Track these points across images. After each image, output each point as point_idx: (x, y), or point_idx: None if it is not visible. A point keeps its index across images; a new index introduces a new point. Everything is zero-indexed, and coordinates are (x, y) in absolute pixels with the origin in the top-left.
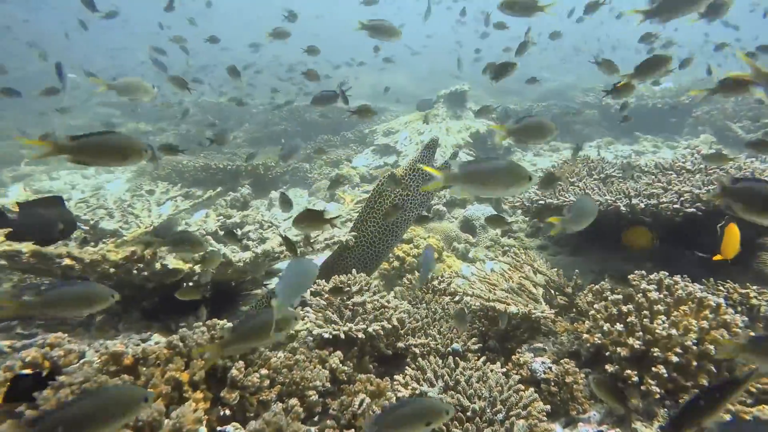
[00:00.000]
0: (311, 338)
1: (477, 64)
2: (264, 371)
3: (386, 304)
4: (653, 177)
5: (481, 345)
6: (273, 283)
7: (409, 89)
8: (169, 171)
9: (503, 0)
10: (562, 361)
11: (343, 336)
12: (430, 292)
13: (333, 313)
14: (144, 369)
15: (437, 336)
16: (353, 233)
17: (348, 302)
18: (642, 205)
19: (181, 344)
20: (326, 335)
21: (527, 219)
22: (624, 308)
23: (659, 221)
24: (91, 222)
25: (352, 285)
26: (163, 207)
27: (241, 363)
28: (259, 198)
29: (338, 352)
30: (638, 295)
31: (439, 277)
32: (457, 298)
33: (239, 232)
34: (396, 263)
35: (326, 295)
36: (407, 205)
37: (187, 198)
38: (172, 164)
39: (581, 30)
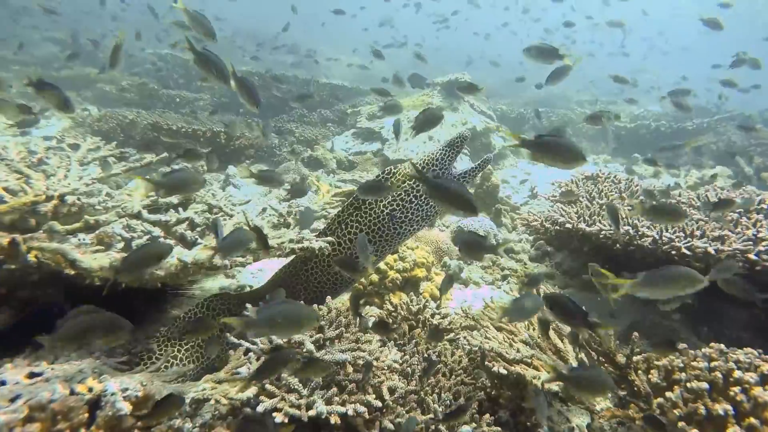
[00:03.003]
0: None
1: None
2: None
3: (375, 360)
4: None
5: (492, 418)
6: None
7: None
8: (113, 126)
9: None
10: None
11: (305, 419)
12: (420, 325)
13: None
14: None
15: (437, 408)
16: (329, 239)
17: (318, 353)
18: (710, 250)
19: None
20: (278, 419)
21: (532, 240)
22: (717, 408)
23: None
24: None
25: (325, 325)
26: (89, 167)
27: None
28: (214, 171)
29: None
30: (735, 390)
31: (430, 307)
32: (452, 335)
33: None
34: (375, 277)
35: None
36: (408, 217)
37: (122, 160)
38: (117, 118)
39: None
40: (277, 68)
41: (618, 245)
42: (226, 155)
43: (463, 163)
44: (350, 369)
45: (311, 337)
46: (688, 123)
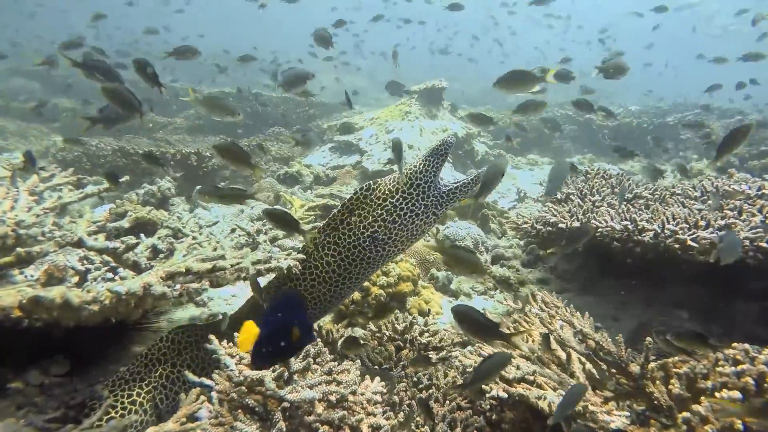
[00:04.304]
0: None
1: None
2: None
3: (352, 394)
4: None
5: None
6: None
7: (369, 91)
8: (78, 155)
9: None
10: None
11: None
12: (407, 345)
13: (247, 419)
14: None
15: None
16: (299, 255)
17: (283, 394)
18: (716, 240)
19: None
20: None
21: (523, 244)
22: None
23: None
24: None
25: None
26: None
27: None
28: (184, 193)
29: None
30: None
31: (418, 324)
32: (443, 354)
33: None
34: (357, 295)
35: (245, 374)
36: (392, 237)
37: (80, 187)
38: (82, 147)
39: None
40: (253, 86)
41: (616, 242)
42: (199, 178)
43: (445, 171)
44: (320, 408)
45: (273, 371)
46: (669, 118)
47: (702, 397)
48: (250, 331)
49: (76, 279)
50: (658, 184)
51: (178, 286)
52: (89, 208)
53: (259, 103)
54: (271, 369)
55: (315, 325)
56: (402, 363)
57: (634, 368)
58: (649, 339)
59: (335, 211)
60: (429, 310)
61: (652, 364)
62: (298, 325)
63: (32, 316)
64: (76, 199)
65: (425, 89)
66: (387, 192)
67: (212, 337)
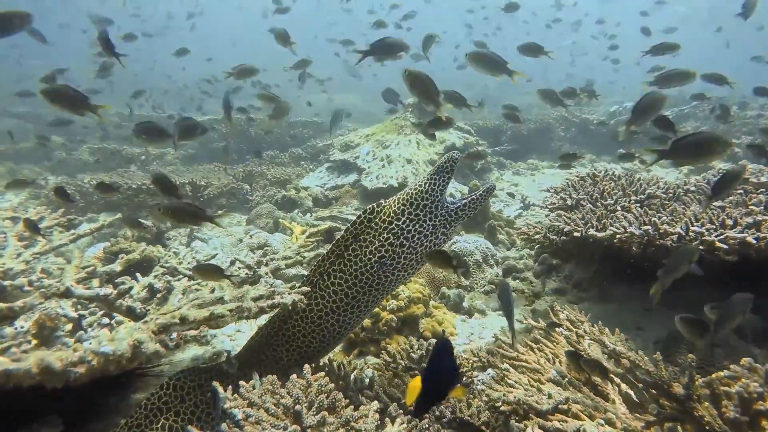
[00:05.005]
0: None
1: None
2: None
3: None
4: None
5: None
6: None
7: (362, 107)
8: (71, 192)
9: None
10: None
11: None
12: None
13: None
14: None
15: None
16: (304, 288)
17: None
18: (750, 239)
19: None
20: None
21: (534, 254)
22: None
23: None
24: None
25: (302, 409)
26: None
27: None
28: (179, 228)
29: None
30: None
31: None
32: (464, 379)
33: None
34: (367, 322)
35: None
36: (400, 262)
37: (70, 228)
38: (75, 184)
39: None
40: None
41: (635, 248)
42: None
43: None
44: None
45: (284, 430)
46: (666, 112)
47: (763, 421)
48: (415, 386)
49: (69, 326)
50: (669, 182)
51: (174, 335)
52: (78, 252)
53: (250, 126)
54: (282, 425)
55: (326, 359)
56: None
57: (678, 389)
58: (690, 356)
59: (339, 236)
60: (443, 331)
61: (698, 383)
62: (449, 374)
63: (10, 384)
64: (68, 240)
65: (419, 101)
66: (393, 214)
67: (215, 384)
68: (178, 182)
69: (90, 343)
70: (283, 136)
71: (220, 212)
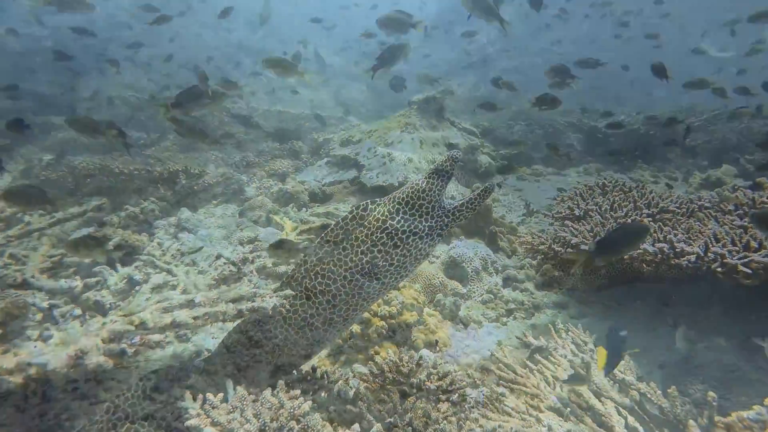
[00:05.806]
0: None
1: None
2: None
3: None
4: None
5: None
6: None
7: (367, 103)
8: (63, 173)
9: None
10: None
11: None
12: (414, 389)
13: None
14: None
15: None
16: (286, 292)
17: None
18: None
19: None
20: None
21: (536, 264)
22: None
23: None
24: None
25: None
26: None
27: None
28: (169, 216)
29: None
30: None
31: (425, 365)
32: (455, 396)
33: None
34: (357, 328)
35: None
36: (393, 264)
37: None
38: (67, 165)
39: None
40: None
41: (646, 266)
42: (190, 197)
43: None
44: None
45: None
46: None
47: None
48: (602, 353)
49: (39, 316)
50: (682, 196)
51: (137, 339)
52: (47, 239)
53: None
54: None
55: (309, 367)
56: (409, 415)
57: (694, 429)
58: (711, 394)
59: (325, 232)
60: (436, 341)
61: (719, 423)
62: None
63: None
64: (46, 225)
65: (425, 99)
66: (387, 213)
67: (187, 394)
68: (172, 168)
69: (35, 346)
70: (285, 128)
71: (215, 201)
